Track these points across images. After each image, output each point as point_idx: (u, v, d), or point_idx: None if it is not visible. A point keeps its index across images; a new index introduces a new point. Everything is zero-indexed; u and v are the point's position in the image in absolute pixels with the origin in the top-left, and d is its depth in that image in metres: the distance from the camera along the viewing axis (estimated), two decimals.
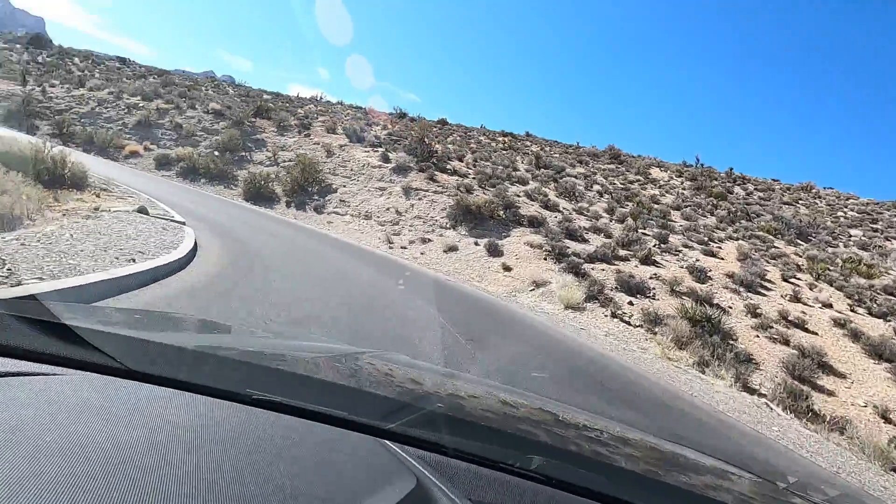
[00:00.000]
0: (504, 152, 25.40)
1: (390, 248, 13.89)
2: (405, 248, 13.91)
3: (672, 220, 17.39)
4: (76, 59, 37.24)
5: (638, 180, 24.04)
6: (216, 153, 20.81)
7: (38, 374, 0.74)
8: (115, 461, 0.56)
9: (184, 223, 8.02)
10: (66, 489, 0.49)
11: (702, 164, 30.00)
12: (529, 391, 2.06)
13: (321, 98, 35.56)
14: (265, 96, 32.77)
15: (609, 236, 14.19)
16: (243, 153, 21.53)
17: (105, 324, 1.09)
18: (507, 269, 11.84)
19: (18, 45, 39.56)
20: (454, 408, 1.08)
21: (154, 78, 32.71)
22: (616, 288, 10.52)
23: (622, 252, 12.73)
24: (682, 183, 25.03)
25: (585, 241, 13.75)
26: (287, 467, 0.64)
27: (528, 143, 30.67)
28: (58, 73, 30.29)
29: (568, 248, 12.50)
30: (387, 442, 0.80)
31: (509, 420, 1.18)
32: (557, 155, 27.41)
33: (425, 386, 1.27)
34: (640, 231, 14.84)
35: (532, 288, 10.83)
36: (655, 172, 26.83)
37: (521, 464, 0.79)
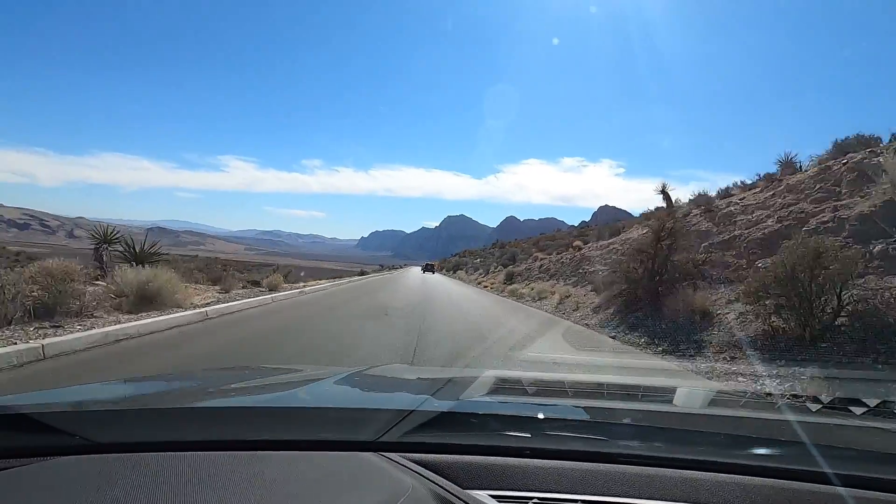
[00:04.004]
0: None
1: None
2: None
3: None
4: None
5: None
6: None
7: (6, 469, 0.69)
8: None
9: None
10: None
11: None
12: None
13: None
14: None
15: None
16: None
17: (62, 404, 1.03)
18: None
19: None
20: (446, 406, 1.02)
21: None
22: None
23: None
24: None
25: None
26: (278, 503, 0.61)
27: None
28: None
29: None
30: (384, 454, 0.76)
31: (503, 404, 1.13)
32: None
33: (417, 391, 1.31)
34: None
35: None
36: None
37: (520, 444, 0.79)
